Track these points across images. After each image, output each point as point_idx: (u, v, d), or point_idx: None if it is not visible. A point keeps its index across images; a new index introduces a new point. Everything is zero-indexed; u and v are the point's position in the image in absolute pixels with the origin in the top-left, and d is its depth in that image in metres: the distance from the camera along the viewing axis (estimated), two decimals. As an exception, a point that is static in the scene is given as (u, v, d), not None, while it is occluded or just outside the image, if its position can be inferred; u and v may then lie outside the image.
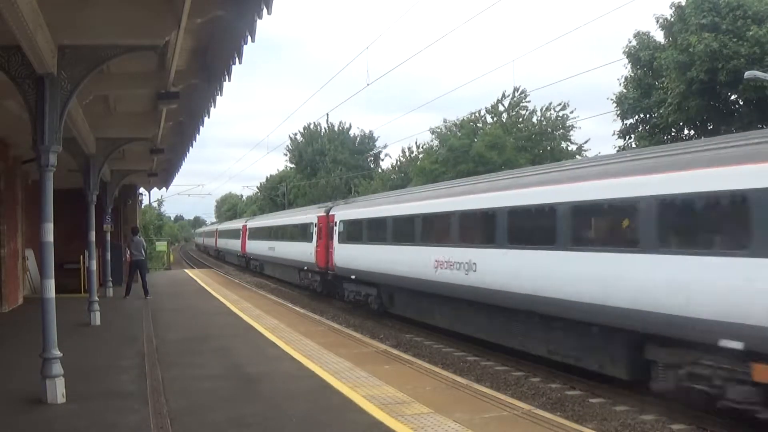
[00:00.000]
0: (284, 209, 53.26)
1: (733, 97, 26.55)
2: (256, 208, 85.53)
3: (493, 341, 13.41)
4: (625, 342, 9.70)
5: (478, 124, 40.37)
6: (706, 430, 8.68)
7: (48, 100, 7.10)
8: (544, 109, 39.04)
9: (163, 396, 7.54)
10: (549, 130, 38.80)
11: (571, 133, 38.76)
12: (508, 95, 39.84)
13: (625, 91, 30.77)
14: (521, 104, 39.82)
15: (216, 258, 64.06)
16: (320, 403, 7.37)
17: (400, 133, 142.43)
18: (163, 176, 24.65)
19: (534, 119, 39.51)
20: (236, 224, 52.70)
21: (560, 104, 38.60)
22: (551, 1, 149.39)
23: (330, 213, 23.74)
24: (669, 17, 27.49)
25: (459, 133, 39.15)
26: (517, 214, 12.27)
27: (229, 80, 9.66)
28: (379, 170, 59.04)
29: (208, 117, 12.96)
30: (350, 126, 69.48)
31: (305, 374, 8.85)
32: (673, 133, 28.87)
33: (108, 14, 7.22)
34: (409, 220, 16.92)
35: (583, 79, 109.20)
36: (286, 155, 73.78)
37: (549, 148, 38.11)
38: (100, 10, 7.19)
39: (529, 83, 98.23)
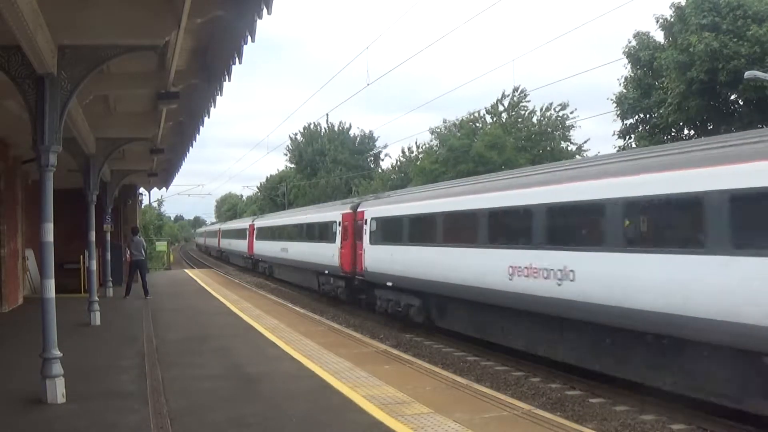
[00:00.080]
0: (284, 209, 52.82)
1: (733, 97, 26.57)
2: (256, 208, 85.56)
3: (595, 370, 10.59)
4: None
5: (477, 124, 40.43)
6: (707, 430, 8.68)
7: (48, 100, 7.10)
8: (544, 109, 39.13)
9: (163, 396, 7.54)
10: (549, 130, 38.83)
11: (571, 132, 38.87)
12: (508, 95, 39.97)
13: (625, 91, 30.78)
14: (521, 104, 39.86)
15: (217, 258, 63.33)
16: (320, 403, 7.37)
17: (400, 133, 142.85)
18: (163, 176, 24.66)
19: (534, 119, 39.56)
20: (242, 223, 49.76)
21: (560, 105, 38.74)
22: (551, 1, 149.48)
23: (358, 210, 20.70)
24: (669, 17, 27.50)
25: (458, 134, 39.20)
26: (652, 205, 9.30)
27: (229, 80, 9.68)
28: (379, 170, 59.06)
29: (208, 117, 12.98)
30: (350, 126, 69.64)
31: (305, 374, 8.85)
32: (673, 133, 28.88)
33: (108, 14, 7.23)
34: (470, 216, 13.79)
35: (583, 79, 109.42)
36: (286, 155, 74.02)
37: (549, 148, 38.13)
38: (100, 10, 7.19)
39: (529, 83, 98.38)
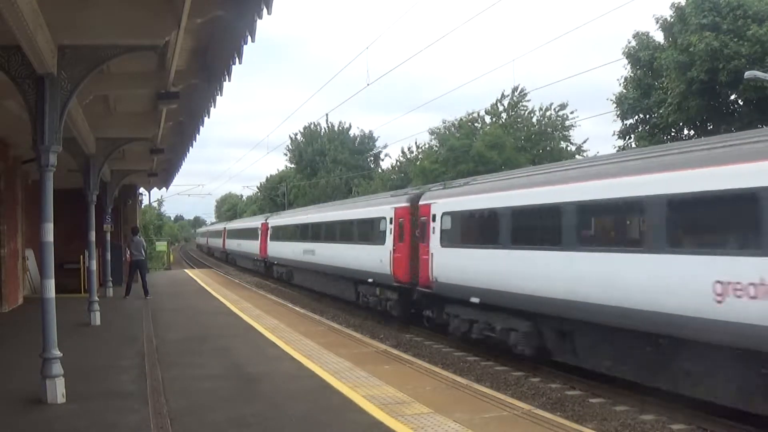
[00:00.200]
0: (284, 209, 52.30)
1: (733, 97, 26.58)
2: (256, 208, 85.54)
3: None
4: None
5: (476, 125, 40.46)
6: (707, 430, 8.68)
7: (48, 100, 7.10)
8: (543, 109, 39.19)
9: (163, 396, 7.54)
10: (549, 130, 38.86)
11: (571, 132, 38.92)
12: (508, 95, 40.00)
13: (624, 91, 30.80)
14: (521, 104, 39.89)
15: (218, 259, 62.33)
16: (320, 403, 7.37)
17: (400, 133, 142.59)
18: (163, 176, 24.66)
19: (534, 119, 39.60)
20: (253, 222, 44.85)
21: (560, 105, 38.78)
22: (551, 1, 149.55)
23: (420, 203, 16.87)
24: (669, 18, 27.51)
25: (457, 134, 39.23)
26: None
27: (229, 80, 9.68)
28: (379, 170, 59.07)
29: (208, 117, 12.99)
30: (350, 126, 69.65)
31: (305, 374, 8.85)
32: (673, 133, 28.89)
33: (108, 14, 7.23)
34: (636, 206, 9.73)
35: (583, 79, 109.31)
36: (286, 155, 74.04)
37: (549, 148, 38.17)
38: (100, 10, 7.19)
39: (528, 83, 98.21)
